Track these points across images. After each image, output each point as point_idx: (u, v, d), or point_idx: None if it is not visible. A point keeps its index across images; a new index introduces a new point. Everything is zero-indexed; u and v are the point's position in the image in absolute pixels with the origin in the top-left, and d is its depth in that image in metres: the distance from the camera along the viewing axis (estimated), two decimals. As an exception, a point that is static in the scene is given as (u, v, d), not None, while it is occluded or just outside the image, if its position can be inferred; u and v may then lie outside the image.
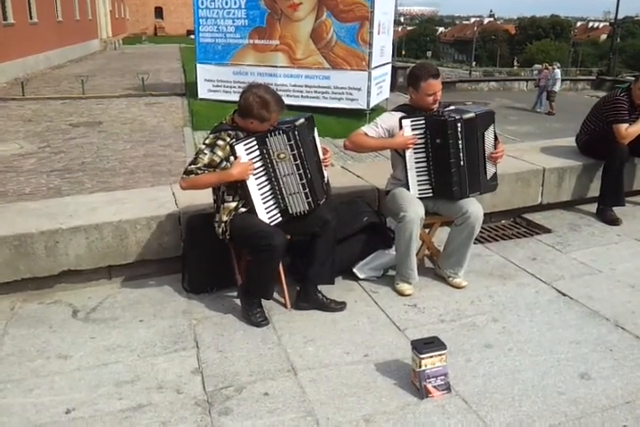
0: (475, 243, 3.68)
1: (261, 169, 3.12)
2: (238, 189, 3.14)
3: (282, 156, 3.11)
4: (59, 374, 2.75)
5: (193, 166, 3.06)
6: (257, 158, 3.10)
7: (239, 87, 13.41)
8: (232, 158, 3.06)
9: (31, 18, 23.16)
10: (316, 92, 15.08)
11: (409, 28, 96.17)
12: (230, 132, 3.12)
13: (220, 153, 3.07)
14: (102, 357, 2.88)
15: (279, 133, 3.09)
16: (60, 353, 2.92)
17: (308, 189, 3.17)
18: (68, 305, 3.41)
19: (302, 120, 3.16)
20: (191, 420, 2.43)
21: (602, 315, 3.23)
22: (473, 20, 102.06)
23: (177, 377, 2.71)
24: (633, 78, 4.96)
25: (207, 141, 3.11)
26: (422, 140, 3.45)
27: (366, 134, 3.52)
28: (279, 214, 3.18)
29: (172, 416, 2.45)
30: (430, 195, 3.52)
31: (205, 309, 3.35)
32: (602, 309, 3.30)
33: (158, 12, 56.93)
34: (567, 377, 2.68)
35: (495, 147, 3.57)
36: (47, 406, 2.52)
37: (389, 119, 3.55)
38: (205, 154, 3.07)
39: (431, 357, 2.52)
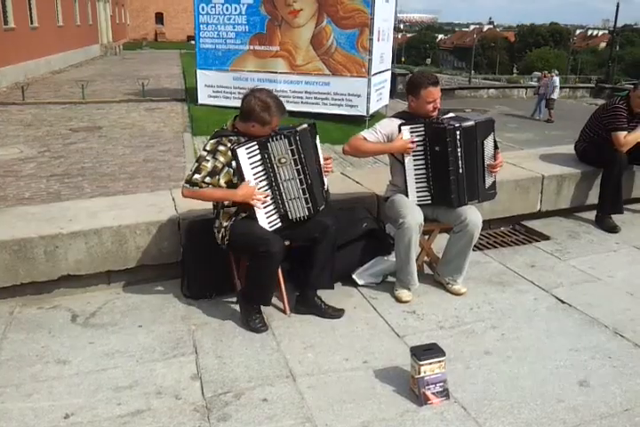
0: (474, 250, 3.68)
1: (262, 174, 3.13)
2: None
3: (283, 160, 3.12)
4: (57, 378, 2.75)
5: (197, 176, 3.05)
6: (258, 163, 3.10)
7: (239, 93, 13.45)
8: (234, 164, 3.06)
9: (32, 22, 23.22)
10: (315, 98, 15.10)
11: (409, 35, 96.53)
12: (232, 137, 3.13)
13: (221, 159, 3.07)
14: (101, 362, 2.88)
15: (281, 138, 3.10)
16: (59, 358, 2.92)
17: (308, 195, 3.18)
18: (68, 310, 3.41)
19: (305, 126, 3.18)
20: (190, 426, 2.43)
21: (601, 322, 3.24)
22: (472, 27, 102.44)
23: (176, 383, 2.71)
24: (632, 86, 4.99)
25: (208, 147, 3.12)
26: (421, 148, 3.46)
27: (365, 139, 3.54)
28: (279, 219, 3.19)
29: (171, 422, 2.45)
30: (429, 202, 3.53)
31: (204, 314, 3.35)
32: (601, 316, 3.30)
33: (159, 18, 57.00)
34: (566, 385, 2.68)
35: (495, 157, 3.58)
36: (46, 411, 2.52)
37: (389, 125, 3.56)
38: (208, 161, 3.07)
39: (430, 363, 2.52)
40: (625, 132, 4.58)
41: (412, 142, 3.44)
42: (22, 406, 2.56)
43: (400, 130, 3.46)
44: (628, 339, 3.06)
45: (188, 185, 3.09)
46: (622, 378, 2.72)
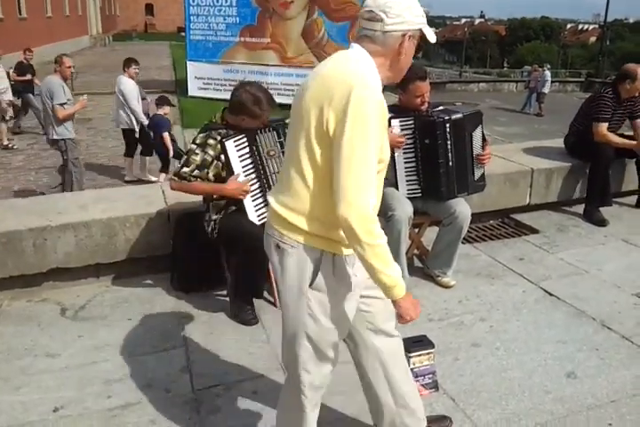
0: (463, 243, 3.70)
1: (251, 166, 3.12)
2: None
3: (272, 153, 3.12)
4: (47, 372, 2.74)
5: (186, 170, 3.05)
6: (246, 155, 3.09)
7: (230, 85, 13.37)
8: (223, 157, 3.05)
9: (20, 13, 22.98)
10: (306, 90, 15.06)
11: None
12: (221, 130, 3.12)
13: (211, 152, 3.07)
14: (91, 355, 2.88)
15: (269, 130, 3.09)
16: (49, 351, 2.91)
17: (297, 188, 3.17)
18: (57, 303, 3.40)
19: None
20: (180, 418, 2.43)
21: (588, 315, 3.27)
22: (464, 20, 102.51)
23: (166, 376, 2.71)
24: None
25: (198, 141, 3.11)
26: (411, 141, 3.47)
27: None
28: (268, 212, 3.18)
29: (161, 415, 2.45)
30: (419, 195, 3.54)
31: (194, 307, 3.35)
32: (588, 309, 3.33)
33: (149, 9, 56.51)
34: (553, 376, 2.71)
35: (483, 148, 3.59)
36: (35, 405, 2.51)
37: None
38: (197, 154, 3.07)
39: (419, 355, 2.54)
40: (606, 124, 4.61)
41: (402, 136, 3.44)
42: (11, 399, 2.55)
43: (390, 123, 3.46)
44: (615, 331, 3.09)
45: (176, 178, 3.09)
46: (609, 370, 2.76)
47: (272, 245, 1.85)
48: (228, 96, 3.16)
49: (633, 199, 5.10)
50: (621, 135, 4.83)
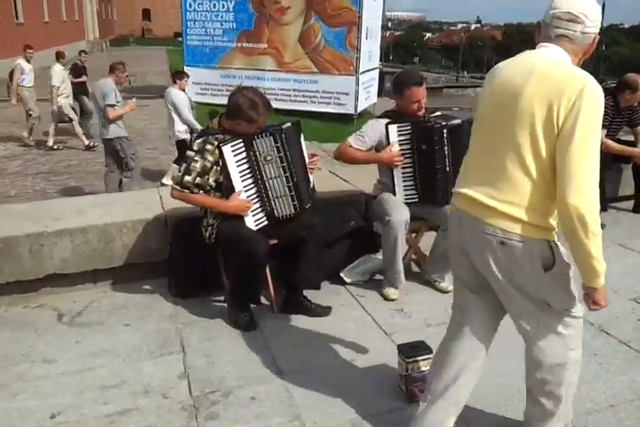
0: (461, 248, 3.69)
1: (248, 171, 3.12)
2: (224, 191, 3.13)
3: (268, 158, 3.12)
4: (44, 378, 2.73)
5: (188, 178, 3.04)
6: (243, 160, 3.09)
7: (227, 91, 13.35)
8: (221, 162, 3.05)
9: (17, 18, 22.98)
10: (304, 96, 15.08)
11: (396, 34, 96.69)
12: (218, 135, 3.12)
13: (210, 158, 3.06)
14: (88, 361, 2.87)
15: (266, 135, 3.09)
16: (45, 357, 2.90)
17: (294, 193, 3.18)
18: (54, 309, 3.39)
19: (289, 124, 3.18)
20: (177, 424, 2.42)
21: (586, 320, 3.23)
22: (460, 26, 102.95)
23: (163, 382, 2.70)
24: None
25: (195, 147, 3.10)
26: (408, 146, 3.48)
27: (352, 146, 3.54)
28: (265, 217, 3.18)
29: (159, 421, 2.44)
30: (416, 200, 3.54)
31: (192, 313, 3.34)
32: (586, 313, 3.30)
33: (146, 14, 56.59)
34: (552, 381, 2.69)
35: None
36: (32, 411, 2.50)
37: (376, 126, 3.57)
38: (197, 161, 3.05)
39: (417, 361, 2.53)
40: (604, 131, 4.62)
41: (400, 154, 3.45)
42: (8, 406, 2.54)
43: (387, 129, 3.47)
44: (613, 336, 3.09)
45: (178, 187, 3.08)
46: (607, 375, 2.75)
47: (493, 244, 1.91)
48: (225, 101, 3.16)
49: (630, 204, 5.11)
50: (618, 141, 4.85)
